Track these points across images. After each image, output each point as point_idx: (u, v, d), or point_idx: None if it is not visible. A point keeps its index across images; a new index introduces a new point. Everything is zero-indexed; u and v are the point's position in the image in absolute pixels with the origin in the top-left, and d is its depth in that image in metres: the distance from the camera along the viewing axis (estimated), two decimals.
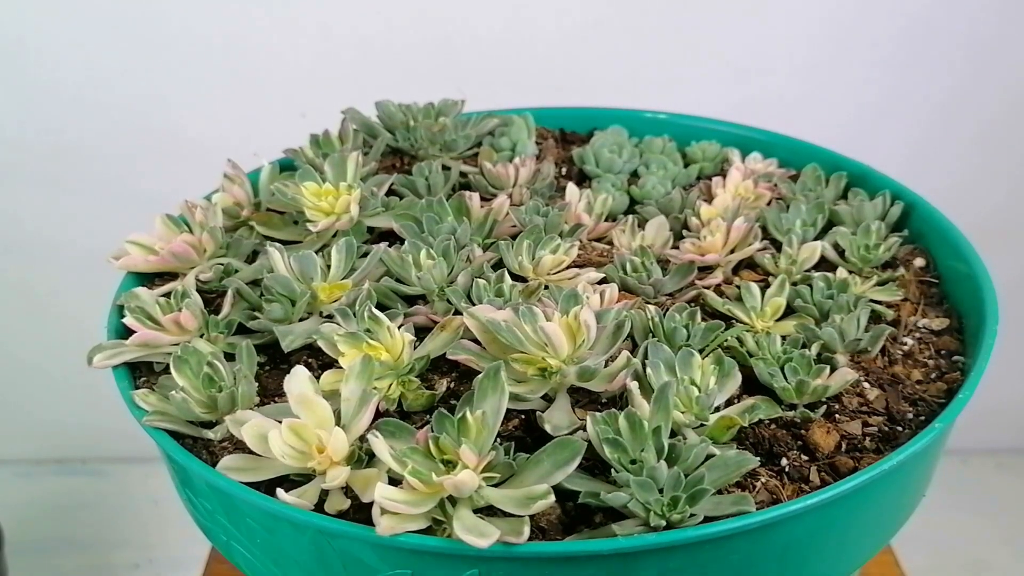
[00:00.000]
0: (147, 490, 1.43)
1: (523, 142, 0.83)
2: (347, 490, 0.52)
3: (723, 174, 0.78)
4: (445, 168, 0.77)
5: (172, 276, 0.70)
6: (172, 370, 0.58)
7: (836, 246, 0.72)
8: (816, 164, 0.80)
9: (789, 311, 0.65)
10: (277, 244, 0.66)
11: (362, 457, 0.53)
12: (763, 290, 0.65)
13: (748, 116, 0.89)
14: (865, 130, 1.24)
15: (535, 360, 0.55)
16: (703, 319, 0.61)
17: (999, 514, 1.42)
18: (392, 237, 0.70)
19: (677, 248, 0.70)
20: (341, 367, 0.56)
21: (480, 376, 0.52)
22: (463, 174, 0.79)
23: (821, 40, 1.21)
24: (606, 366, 0.56)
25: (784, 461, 0.55)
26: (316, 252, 0.65)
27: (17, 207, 1.30)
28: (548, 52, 1.21)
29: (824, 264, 0.70)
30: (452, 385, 0.59)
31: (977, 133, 1.27)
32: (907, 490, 0.58)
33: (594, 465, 0.53)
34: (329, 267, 0.65)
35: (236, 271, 0.68)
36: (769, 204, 0.76)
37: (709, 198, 0.75)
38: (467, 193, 0.71)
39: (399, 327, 0.58)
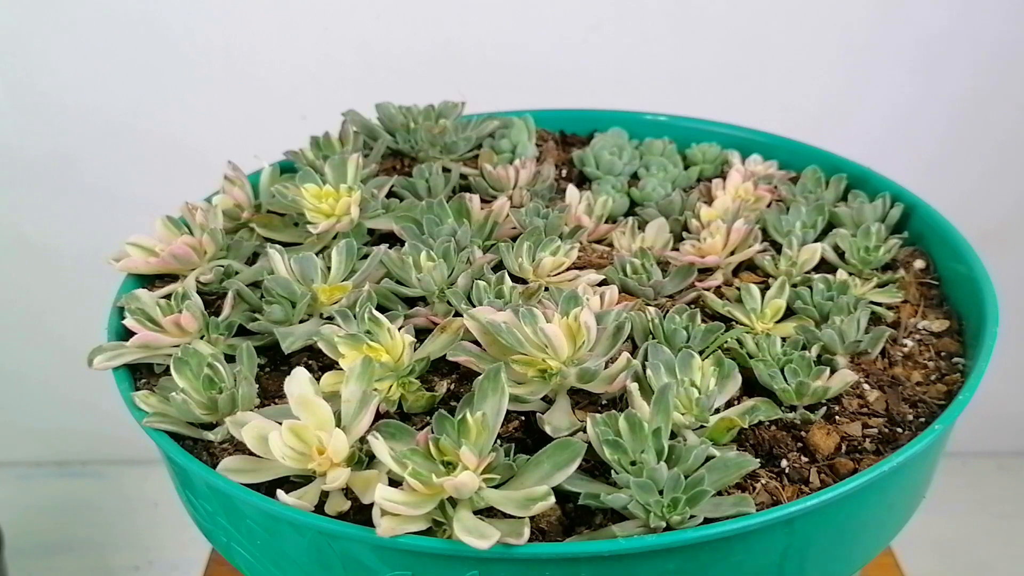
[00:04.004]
0: (147, 492, 1.43)
1: (523, 144, 0.83)
2: (347, 491, 0.52)
3: (723, 176, 0.78)
4: (445, 170, 0.77)
5: (172, 278, 0.70)
6: (172, 372, 0.58)
7: (836, 248, 0.72)
8: (816, 166, 0.80)
9: (789, 313, 0.65)
10: (277, 246, 0.66)
11: (362, 458, 0.53)
12: (763, 292, 0.65)
13: (749, 119, 0.89)
14: (868, 132, 1.25)
15: (535, 362, 0.55)
16: (703, 321, 0.61)
17: (1000, 516, 1.42)
18: (392, 239, 0.70)
19: (677, 250, 0.70)
20: (341, 369, 0.56)
21: (480, 377, 0.52)
22: (463, 176, 0.79)
23: (825, 42, 1.21)
24: (606, 368, 0.56)
25: (784, 463, 0.55)
26: (316, 254, 0.65)
27: (17, 210, 1.30)
28: (548, 54, 1.21)
29: (824, 266, 0.70)
30: (452, 387, 0.59)
31: (990, 140, 1.27)
32: (907, 492, 0.58)
33: (594, 466, 0.53)
34: (329, 269, 0.65)
35: (236, 273, 0.68)
36: (769, 206, 0.76)
37: (709, 200, 0.75)
38: (467, 195, 0.71)
39: (399, 329, 0.58)
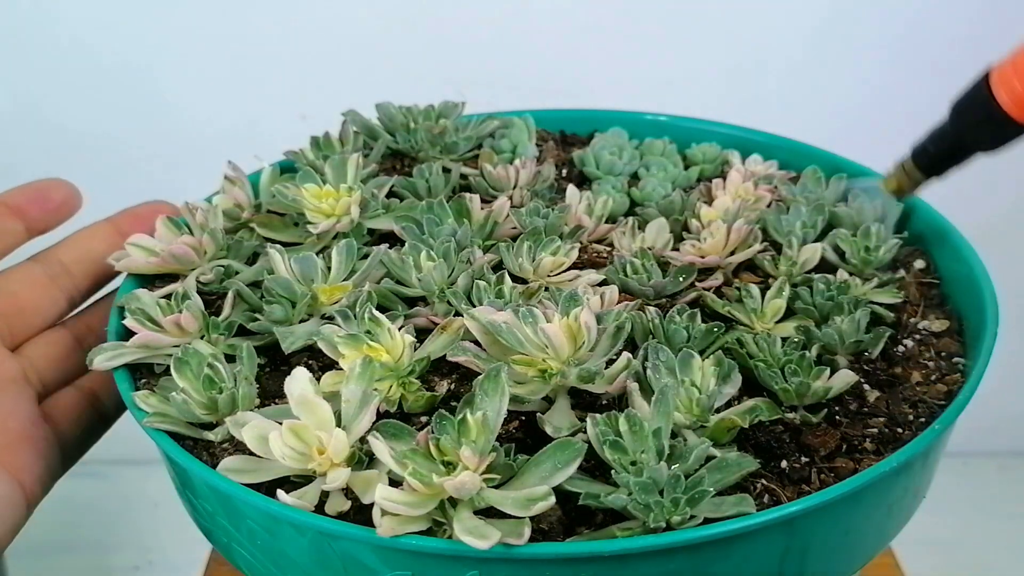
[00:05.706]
0: (147, 492, 1.43)
1: (523, 144, 0.83)
2: (347, 491, 0.52)
3: (723, 176, 0.78)
4: (445, 170, 0.77)
5: (172, 278, 0.70)
6: (172, 372, 0.58)
7: (836, 248, 0.72)
8: (816, 166, 0.80)
9: (789, 313, 0.65)
10: (277, 246, 0.66)
11: (362, 458, 0.53)
12: (763, 292, 0.65)
13: (749, 118, 0.89)
14: (866, 132, 1.24)
15: (535, 362, 0.55)
16: (703, 321, 0.61)
17: (1000, 516, 1.42)
18: (392, 239, 0.70)
19: (677, 250, 0.70)
20: (341, 368, 0.56)
21: (480, 377, 0.52)
22: (463, 176, 0.79)
23: (821, 41, 1.21)
24: (606, 368, 0.56)
25: (784, 463, 0.55)
26: (316, 254, 0.65)
27: None
28: (548, 54, 1.21)
29: (824, 266, 0.70)
30: (452, 387, 0.59)
31: None
32: (907, 492, 0.58)
33: (595, 467, 0.53)
34: (329, 269, 0.65)
35: (237, 273, 0.68)
36: (769, 206, 0.76)
37: (709, 200, 0.75)
38: (467, 195, 0.71)
39: (399, 329, 0.58)
